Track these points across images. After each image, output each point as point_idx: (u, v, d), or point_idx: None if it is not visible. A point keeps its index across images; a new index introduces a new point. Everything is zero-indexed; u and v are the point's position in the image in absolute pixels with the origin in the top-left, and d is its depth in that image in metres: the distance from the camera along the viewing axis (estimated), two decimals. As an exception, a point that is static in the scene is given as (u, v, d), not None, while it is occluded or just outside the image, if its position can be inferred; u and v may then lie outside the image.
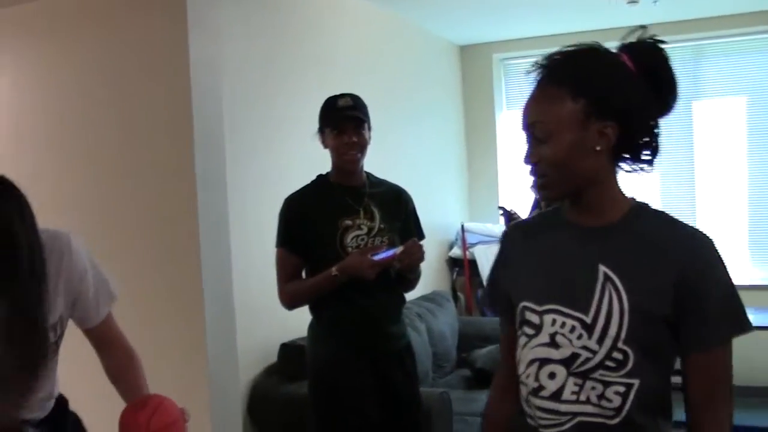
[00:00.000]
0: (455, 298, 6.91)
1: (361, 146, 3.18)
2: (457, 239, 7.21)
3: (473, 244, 7.02)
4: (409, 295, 5.84)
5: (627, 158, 1.73)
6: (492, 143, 7.75)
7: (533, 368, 1.74)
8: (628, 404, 1.65)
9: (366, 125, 3.18)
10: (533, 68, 1.73)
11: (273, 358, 4.38)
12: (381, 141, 5.78)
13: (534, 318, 1.75)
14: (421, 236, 3.41)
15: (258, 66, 4.46)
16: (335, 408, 3.20)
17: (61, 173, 4.27)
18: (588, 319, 1.67)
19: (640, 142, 1.72)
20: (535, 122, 1.69)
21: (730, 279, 1.67)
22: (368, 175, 3.35)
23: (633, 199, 1.78)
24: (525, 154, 1.73)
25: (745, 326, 1.67)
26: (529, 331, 1.76)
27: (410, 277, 3.33)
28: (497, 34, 7.43)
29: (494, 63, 7.74)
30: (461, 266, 7.10)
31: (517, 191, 7.59)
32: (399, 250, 3.11)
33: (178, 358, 3.91)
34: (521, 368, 1.79)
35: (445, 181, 7.35)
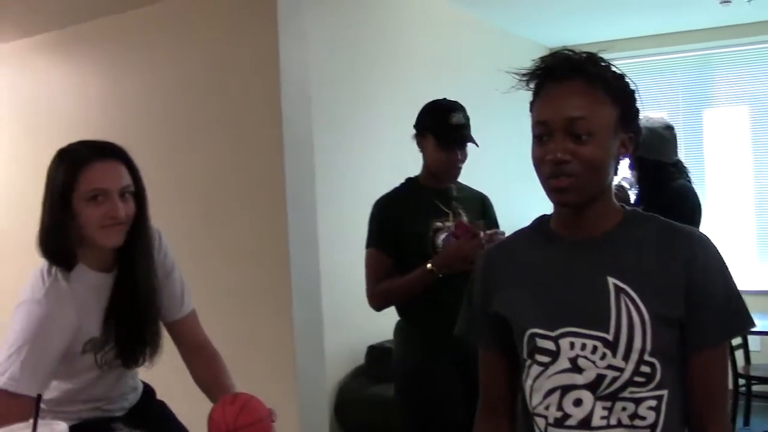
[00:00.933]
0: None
1: (463, 161, 3.21)
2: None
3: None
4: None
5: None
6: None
7: (554, 397, 1.64)
8: (662, 417, 1.59)
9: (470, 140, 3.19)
10: (557, 60, 1.71)
11: (360, 359, 4.42)
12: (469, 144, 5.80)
13: (548, 344, 1.64)
14: None
15: (345, 69, 4.52)
16: (423, 411, 3.13)
17: (158, 171, 4.39)
18: (610, 337, 1.58)
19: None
20: (578, 118, 1.60)
21: (731, 275, 1.65)
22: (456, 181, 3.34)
23: (623, 206, 1.74)
24: (550, 149, 1.63)
25: (749, 322, 1.65)
26: (543, 358, 1.65)
27: None
28: (585, 36, 7.33)
29: (583, 64, 7.66)
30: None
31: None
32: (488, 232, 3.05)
33: (266, 359, 3.98)
34: (536, 399, 1.67)
35: (532, 184, 7.24)
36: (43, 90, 5.08)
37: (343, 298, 4.26)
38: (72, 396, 2.31)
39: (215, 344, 3.89)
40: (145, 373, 2.57)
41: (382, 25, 4.91)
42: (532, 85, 1.79)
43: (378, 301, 3.18)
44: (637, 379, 1.57)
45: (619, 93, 1.65)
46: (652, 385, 1.58)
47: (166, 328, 2.51)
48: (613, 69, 1.69)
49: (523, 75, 1.81)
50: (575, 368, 1.60)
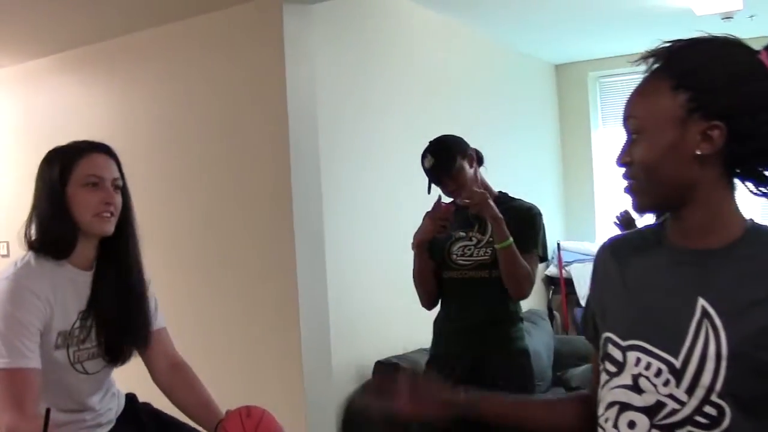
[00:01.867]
0: (551, 316, 6.86)
1: (461, 187, 3.27)
2: (553, 257, 7.17)
3: (569, 263, 6.97)
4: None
5: (743, 172, 1.44)
6: (588, 161, 7.70)
7: (612, 412, 1.48)
8: None
9: (454, 168, 3.29)
10: (642, 59, 1.51)
11: (368, 375, 4.44)
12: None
13: (616, 353, 1.49)
14: (531, 248, 3.30)
15: (350, 86, 4.55)
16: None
17: (165, 188, 4.45)
18: (677, 363, 1.38)
19: (759, 155, 1.41)
20: (629, 117, 1.48)
21: None
22: (501, 194, 3.47)
23: (750, 221, 1.47)
24: (618, 154, 1.49)
25: None
26: (610, 367, 1.50)
27: (505, 268, 3.24)
28: (592, 52, 7.40)
29: (590, 81, 7.71)
30: (557, 285, 7.06)
31: (615, 210, 7.52)
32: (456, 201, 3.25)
33: (273, 374, 4.01)
34: (600, 409, 1.53)
35: (541, 200, 7.25)
36: (54, 109, 5.14)
37: (350, 314, 4.29)
38: (57, 405, 2.28)
39: (222, 360, 3.96)
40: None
41: (388, 42, 4.95)
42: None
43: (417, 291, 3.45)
44: (699, 419, 1.36)
45: (686, 75, 1.42)
46: (716, 431, 1.36)
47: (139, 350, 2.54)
48: (697, 48, 1.46)
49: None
50: (635, 387, 1.44)
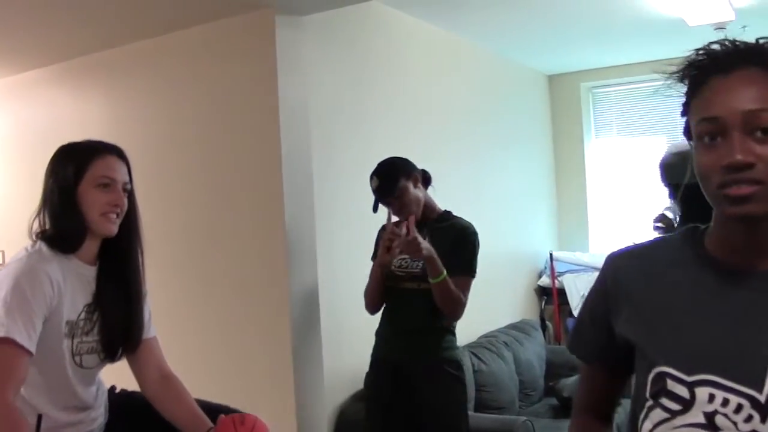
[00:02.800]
0: (543, 326, 6.87)
1: (406, 206, 3.52)
2: (545, 268, 7.19)
3: (562, 273, 6.98)
4: (497, 323, 5.91)
5: None
6: (581, 171, 7.71)
7: None
8: None
9: (401, 191, 3.51)
10: (722, 49, 1.37)
11: (360, 384, 4.43)
12: (470, 170, 5.85)
13: (681, 390, 1.34)
14: (467, 271, 3.54)
15: (343, 94, 4.56)
16: (366, 411, 3.77)
17: (158, 196, 4.46)
18: (761, 398, 1.27)
19: None
20: (761, 110, 1.27)
21: None
22: (445, 212, 3.67)
23: None
24: (724, 152, 1.28)
25: None
26: (671, 405, 1.35)
27: (438, 301, 3.46)
28: (585, 63, 7.41)
29: (582, 91, 7.73)
30: (549, 295, 7.07)
31: (607, 220, 7.55)
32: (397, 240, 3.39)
33: (265, 383, 4.02)
34: None
35: (534, 210, 7.34)
36: (46, 121, 5.14)
37: (342, 322, 4.29)
38: (60, 404, 2.35)
39: (213, 368, 3.96)
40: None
41: (381, 53, 4.97)
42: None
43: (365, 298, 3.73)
44: None
45: None
46: None
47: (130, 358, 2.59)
48: None
49: (682, 68, 1.41)
50: (711, 426, 1.30)
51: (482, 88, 6.35)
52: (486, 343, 5.46)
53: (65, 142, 4.30)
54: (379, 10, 4.95)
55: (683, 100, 1.41)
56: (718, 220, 1.39)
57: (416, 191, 3.57)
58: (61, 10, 4.01)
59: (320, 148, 4.25)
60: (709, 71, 1.35)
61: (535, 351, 5.95)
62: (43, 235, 2.35)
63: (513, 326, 6.13)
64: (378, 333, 3.71)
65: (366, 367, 3.96)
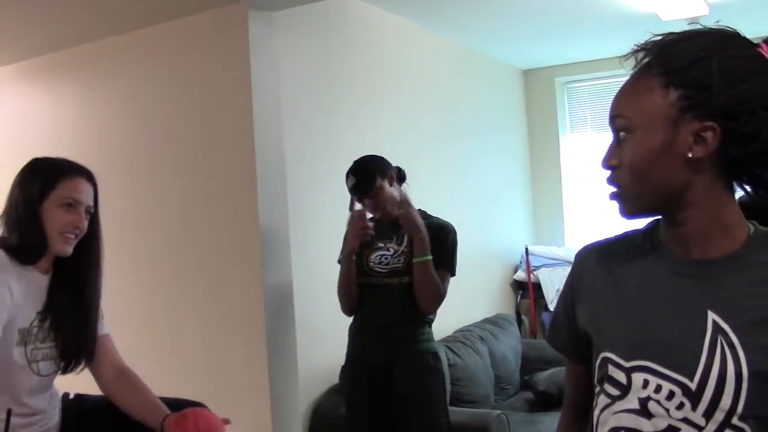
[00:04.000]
0: (519, 321, 6.89)
1: (382, 203, 3.57)
2: (521, 262, 7.21)
3: (537, 267, 7.00)
4: (472, 318, 5.92)
5: (740, 176, 1.34)
6: (556, 166, 7.74)
7: None
8: None
9: (377, 189, 3.54)
10: (631, 53, 1.36)
11: (335, 379, 4.44)
12: (446, 165, 5.85)
13: (619, 375, 1.37)
14: (447, 267, 3.60)
15: (317, 91, 4.56)
16: (348, 410, 3.75)
17: (129, 193, 4.44)
18: (692, 385, 1.28)
19: (758, 157, 1.29)
20: (616, 116, 1.36)
21: None
22: (420, 212, 3.64)
23: (753, 225, 1.38)
24: (603, 156, 1.38)
25: None
26: (612, 390, 1.39)
27: (418, 284, 3.52)
28: (560, 58, 7.44)
29: (557, 86, 7.76)
30: (525, 289, 7.09)
31: (583, 214, 7.57)
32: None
33: (239, 378, 4.01)
34: None
35: (509, 204, 7.36)
36: (19, 117, 5.11)
37: (317, 317, 4.29)
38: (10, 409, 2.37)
39: (187, 364, 3.95)
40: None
41: (354, 48, 4.96)
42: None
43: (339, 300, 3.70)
44: None
45: (679, 71, 1.30)
46: None
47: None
48: (691, 41, 1.32)
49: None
50: (644, 412, 1.33)
51: (457, 83, 6.36)
52: (461, 337, 5.46)
53: (37, 139, 4.29)
54: (353, 6, 4.95)
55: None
56: None
57: (392, 189, 3.60)
58: (34, 5, 3.99)
59: (294, 143, 4.25)
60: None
61: (510, 345, 5.96)
62: (3, 243, 2.38)
63: (488, 320, 6.13)
64: (353, 331, 3.71)
65: (340, 362, 3.96)
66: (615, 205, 1.40)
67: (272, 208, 4.01)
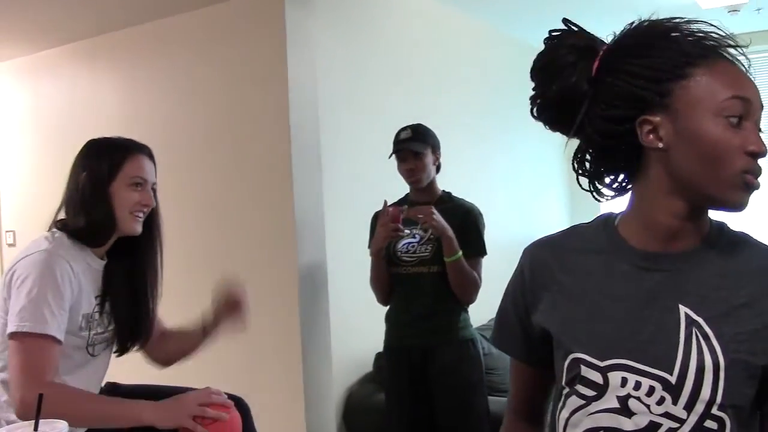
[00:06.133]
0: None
1: (419, 170, 3.56)
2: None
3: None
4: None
5: None
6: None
7: None
8: None
9: (425, 153, 3.56)
10: (727, 36, 1.34)
11: (369, 367, 4.44)
12: (483, 154, 5.83)
13: (594, 376, 1.36)
14: (478, 252, 3.61)
15: (351, 74, 4.55)
16: (387, 399, 3.76)
17: (170, 180, 4.46)
18: (672, 379, 1.29)
19: None
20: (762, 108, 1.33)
21: None
22: (444, 194, 3.68)
23: (709, 218, 1.41)
24: (752, 138, 1.29)
25: None
26: (586, 391, 1.37)
27: (453, 280, 3.51)
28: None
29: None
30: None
31: (620, 204, 7.50)
32: (407, 210, 3.47)
33: (273, 366, 4.02)
34: None
35: (547, 193, 7.31)
36: (62, 100, 5.17)
37: (350, 306, 4.28)
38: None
39: (221, 351, 3.97)
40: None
41: (390, 32, 4.95)
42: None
43: (373, 291, 3.71)
44: None
45: None
46: None
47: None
48: None
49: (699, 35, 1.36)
50: (624, 410, 1.32)
51: (495, 70, 6.32)
52: (496, 326, 5.43)
53: (79, 122, 4.32)
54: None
55: (669, 61, 1.34)
56: (662, 203, 1.37)
57: (431, 166, 3.60)
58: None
59: (329, 128, 4.24)
60: (718, 49, 1.33)
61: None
62: (68, 227, 2.36)
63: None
64: (389, 319, 3.71)
65: (374, 350, 3.97)
66: (749, 193, 1.32)
67: (307, 195, 4.01)
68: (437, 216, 3.38)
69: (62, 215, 2.42)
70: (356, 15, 4.64)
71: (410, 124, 3.62)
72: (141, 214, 2.43)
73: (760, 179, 1.29)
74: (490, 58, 6.30)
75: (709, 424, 1.27)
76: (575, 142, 1.48)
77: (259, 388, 3.62)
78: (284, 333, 3.96)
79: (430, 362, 3.54)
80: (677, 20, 1.37)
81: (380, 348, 3.86)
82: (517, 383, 1.64)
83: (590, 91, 1.40)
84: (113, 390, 2.59)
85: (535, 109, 1.50)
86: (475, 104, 5.90)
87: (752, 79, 1.32)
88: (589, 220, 1.54)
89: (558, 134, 1.50)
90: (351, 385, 4.43)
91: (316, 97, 4.10)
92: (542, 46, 1.50)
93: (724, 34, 1.34)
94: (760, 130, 1.29)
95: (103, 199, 2.35)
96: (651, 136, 1.34)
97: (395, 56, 4.95)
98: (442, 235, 3.41)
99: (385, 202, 3.49)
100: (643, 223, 1.40)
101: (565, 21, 1.51)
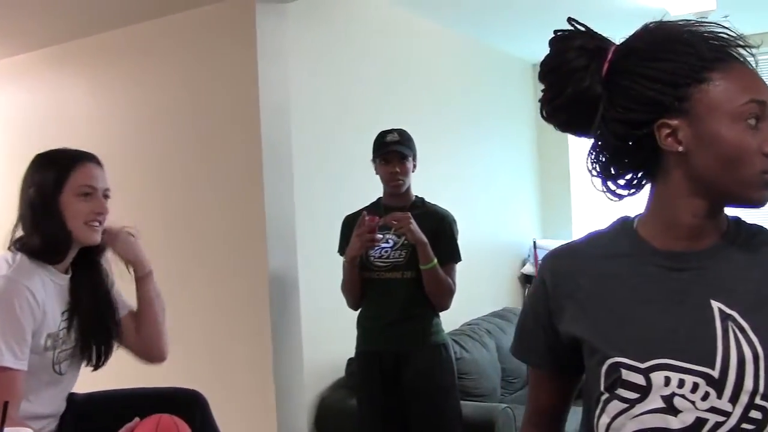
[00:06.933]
0: (527, 314, 6.87)
1: (404, 174, 3.57)
2: (529, 256, 7.20)
3: (545, 261, 6.97)
4: (480, 311, 5.91)
5: None
6: (565, 160, 7.71)
7: None
8: None
9: (409, 158, 3.57)
10: (736, 38, 1.36)
11: (341, 372, 4.44)
12: (455, 158, 5.84)
13: (636, 378, 1.34)
14: (452, 258, 3.62)
15: (324, 84, 4.56)
16: (359, 405, 3.74)
17: (140, 180, 4.44)
18: (715, 373, 1.30)
19: None
20: None
21: None
22: (417, 199, 3.69)
23: (725, 214, 1.44)
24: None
25: None
26: (628, 394, 1.36)
27: (429, 287, 3.52)
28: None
29: (567, 80, 7.70)
30: (533, 283, 7.06)
31: (591, 208, 7.55)
32: (383, 218, 3.47)
33: (244, 371, 4.02)
34: None
35: (518, 198, 7.34)
36: (33, 105, 5.12)
37: (322, 310, 4.28)
38: (35, 413, 2.34)
39: (192, 356, 3.96)
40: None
41: (363, 41, 4.96)
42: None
43: (344, 296, 3.70)
44: (746, 426, 1.29)
45: None
46: None
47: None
48: None
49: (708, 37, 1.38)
50: (670, 409, 1.32)
51: (466, 76, 6.35)
52: (468, 330, 5.45)
53: (46, 130, 4.28)
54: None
55: (686, 65, 1.35)
56: (683, 203, 1.39)
57: (411, 172, 3.64)
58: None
59: (301, 135, 4.24)
60: (730, 52, 1.35)
61: (517, 339, 5.93)
62: (24, 246, 2.33)
63: (496, 314, 6.12)
64: (361, 324, 3.70)
65: (346, 355, 3.96)
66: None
67: (278, 200, 4.01)
68: (414, 224, 3.40)
69: (21, 232, 2.38)
70: (328, 22, 4.65)
71: (393, 128, 3.64)
72: (97, 223, 2.39)
73: None
74: (462, 65, 6.33)
75: (754, 414, 1.28)
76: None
77: (231, 393, 3.62)
78: (255, 338, 3.96)
79: (402, 367, 3.54)
80: (689, 23, 1.40)
81: (352, 353, 3.87)
82: (538, 393, 1.63)
83: (604, 94, 1.42)
84: (69, 399, 2.57)
85: (545, 112, 1.54)
86: (447, 110, 5.92)
87: (765, 80, 1.34)
88: (605, 226, 1.55)
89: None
90: (323, 390, 4.43)
91: (287, 103, 4.10)
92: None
93: (735, 35, 1.36)
94: None
95: (54, 213, 2.32)
96: (670, 139, 1.36)
97: (367, 62, 4.96)
98: (418, 243, 3.42)
99: (364, 214, 3.47)
100: (665, 223, 1.41)
101: (571, 20, 1.53)
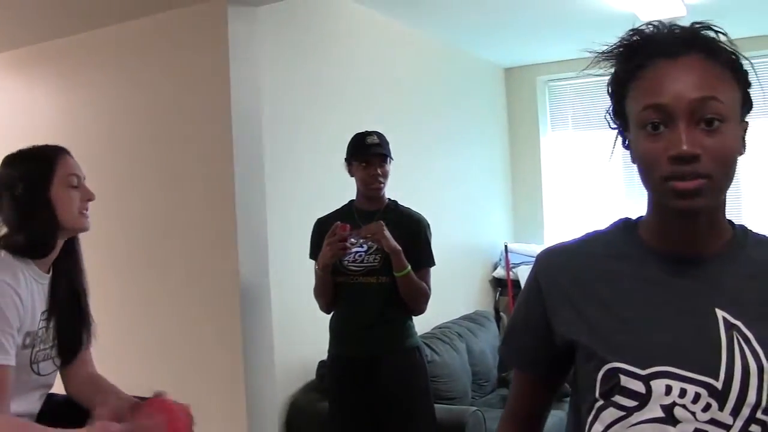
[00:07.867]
0: (498, 318, 6.91)
1: (384, 176, 3.58)
2: (500, 259, 7.23)
3: (516, 265, 7.02)
4: (451, 315, 5.92)
5: None
6: (536, 164, 7.76)
7: None
8: None
9: (389, 160, 3.58)
10: (666, 32, 1.33)
11: (312, 375, 4.43)
12: (426, 163, 5.85)
13: (635, 385, 1.29)
14: (426, 263, 3.64)
15: (296, 88, 4.55)
16: (330, 409, 3.73)
17: (105, 188, 4.41)
18: (718, 385, 1.25)
19: None
20: (709, 98, 1.24)
21: None
22: (391, 202, 3.69)
23: (730, 221, 1.40)
24: (673, 142, 1.25)
25: None
26: (626, 402, 1.30)
27: (404, 293, 3.53)
28: (541, 56, 7.45)
29: (538, 85, 7.77)
30: (504, 286, 7.11)
31: (562, 213, 7.60)
32: (356, 231, 3.47)
33: (215, 374, 4.00)
34: None
35: (490, 202, 7.37)
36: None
37: (293, 313, 4.28)
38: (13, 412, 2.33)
39: (162, 359, 3.94)
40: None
41: (334, 45, 4.96)
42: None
43: (316, 300, 3.68)
44: None
45: (740, 72, 1.31)
46: None
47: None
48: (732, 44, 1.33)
49: (613, 50, 1.39)
50: (669, 419, 1.27)
51: (438, 80, 6.37)
52: (439, 333, 5.47)
53: (14, 131, 4.24)
54: (334, 2, 4.94)
55: (612, 80, 1.39)
56: (657, 211, 1.36)
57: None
58: (10, -2, 3.96)
59: (273, 139, 4.24)
60: (653, 54, 1.31)
61: (488, 342, 5.97)
62: (8, 244, 2.32)
63: (467, 317, 6.15)
64: (334, 329, 3.70)
65: (317, 358, 3.96)
66: (690, 199, 1.26)
67: (250, 204, 4.00)
68: (387, 232, 3.40)
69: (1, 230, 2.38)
70: (301, 26, 4.66)
71: (369, 130, 3.65)
72: (86, 210, 2.43)
73: (694, 182, 1.24)
74: (434, 68, 6.35)
75: (754, 428, 1.24)
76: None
77: (201, 396, 3.60)
78: (226, 341, 3.95)
79: (375, 371, 3.54)
80: (636, 29, 1.38)
81: (323, 356, 3.88)
82: (520, 393, 1.58)
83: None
84: (48, 400, 2.56)
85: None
86: (418, 113, 5.94)
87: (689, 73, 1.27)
88: (606, 226, 1.50)
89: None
90: (294, 393, 4.43)
91: (259, 107, 4.10)
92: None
93: (658, 30, 1.35)
94: (710, 123, 1.24)
95: (45, 206, 2.32)
96: (630, 151, 1.37)
97: (340, 67, 4.97)
98: (392, 251, 3.42)
99: (336, 224, 3.45)
100: (664, 229, 1.37)
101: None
